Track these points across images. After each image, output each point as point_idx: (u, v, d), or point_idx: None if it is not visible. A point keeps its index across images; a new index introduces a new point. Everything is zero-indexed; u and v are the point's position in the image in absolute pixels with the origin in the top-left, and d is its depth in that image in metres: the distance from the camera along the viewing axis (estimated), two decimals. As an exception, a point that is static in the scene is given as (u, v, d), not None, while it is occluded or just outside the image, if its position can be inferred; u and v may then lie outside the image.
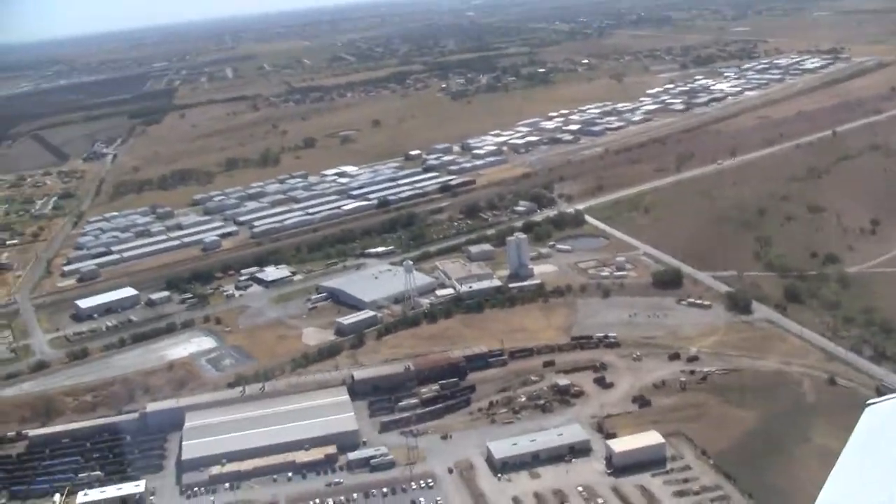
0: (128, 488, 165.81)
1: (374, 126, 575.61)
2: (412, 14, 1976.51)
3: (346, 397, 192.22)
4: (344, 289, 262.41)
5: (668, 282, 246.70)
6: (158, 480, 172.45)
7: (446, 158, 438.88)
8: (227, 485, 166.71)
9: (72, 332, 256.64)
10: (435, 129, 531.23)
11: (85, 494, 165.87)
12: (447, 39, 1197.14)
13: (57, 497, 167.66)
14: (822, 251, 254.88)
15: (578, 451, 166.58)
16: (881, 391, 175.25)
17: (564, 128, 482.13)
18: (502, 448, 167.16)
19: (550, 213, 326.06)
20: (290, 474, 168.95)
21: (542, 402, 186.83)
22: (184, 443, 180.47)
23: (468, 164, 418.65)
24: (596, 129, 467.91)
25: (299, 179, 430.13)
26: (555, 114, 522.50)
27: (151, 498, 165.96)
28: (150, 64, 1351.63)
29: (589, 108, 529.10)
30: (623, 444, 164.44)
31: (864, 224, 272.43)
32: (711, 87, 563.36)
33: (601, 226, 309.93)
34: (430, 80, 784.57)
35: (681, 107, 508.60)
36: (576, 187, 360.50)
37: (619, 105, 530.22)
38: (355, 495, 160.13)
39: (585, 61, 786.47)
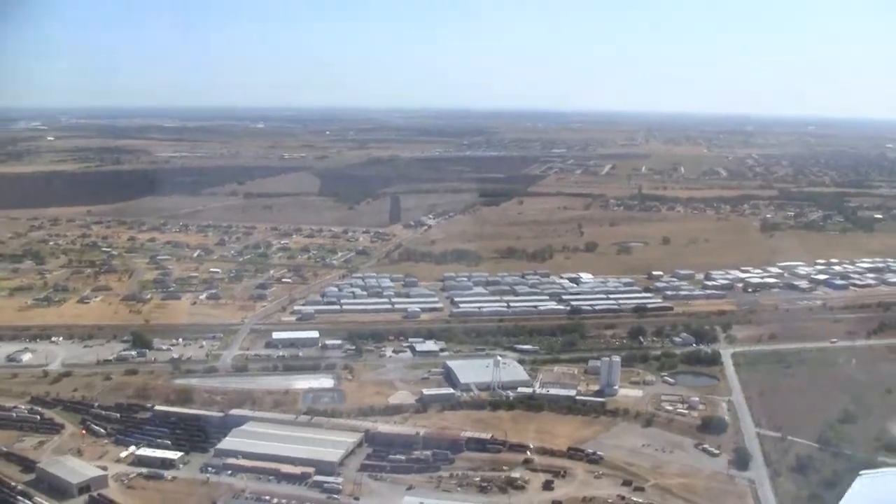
0: (168, 454, 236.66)
1: (662, 242, 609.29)
2: (840, 137, 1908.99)
3: (351, 439, 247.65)
4: (454, 369, 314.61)
5: (712, 427, 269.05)
6: (197, 458, 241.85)
7: (675, 283, 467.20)
8: (229, 472, 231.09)
9: (254, 353, 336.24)
10: (710, 256, 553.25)
11: (139, 449, 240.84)
12: (832, 170, 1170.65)
13: (132, 448, 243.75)
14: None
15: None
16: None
17: (813, 276, 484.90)
18: (412, 503, 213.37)
19: (695, 348, 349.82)
20: (271, 477, 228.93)
21: (486, 484, 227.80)
22: (226, 438, 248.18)
23: (686, 292, 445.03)
24: (839, 282, 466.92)
25: (538, 277, 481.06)
26: (822, 261, 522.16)
27: (181, 465, 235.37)
28: (550, 149, 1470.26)
29: (862, 262, 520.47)
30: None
31: None
32: None
33: (730, 370, 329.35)
34: (766, 208, 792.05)
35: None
36: (752, 332, 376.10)
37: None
38: (294, 502, 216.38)
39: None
